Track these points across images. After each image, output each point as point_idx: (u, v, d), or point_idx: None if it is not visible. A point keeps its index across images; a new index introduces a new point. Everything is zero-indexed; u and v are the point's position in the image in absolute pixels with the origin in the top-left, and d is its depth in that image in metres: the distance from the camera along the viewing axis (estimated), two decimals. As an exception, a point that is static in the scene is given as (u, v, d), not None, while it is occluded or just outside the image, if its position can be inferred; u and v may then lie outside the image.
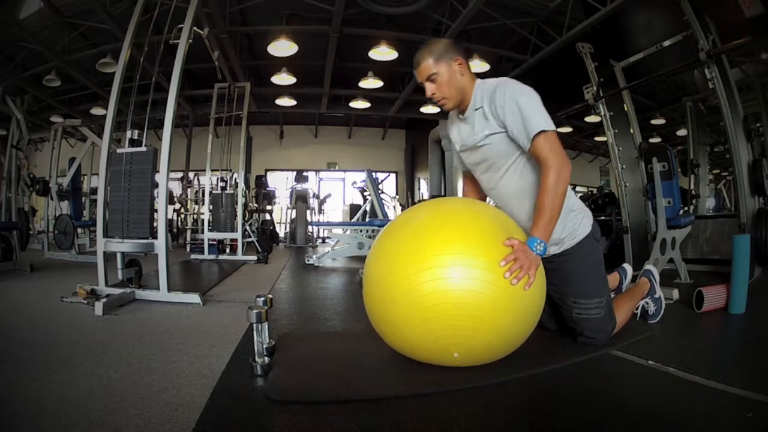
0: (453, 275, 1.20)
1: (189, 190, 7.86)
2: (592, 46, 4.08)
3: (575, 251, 1.52)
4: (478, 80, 1.51)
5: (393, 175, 11.99)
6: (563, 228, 1.49)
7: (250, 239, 5.44)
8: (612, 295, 1.69)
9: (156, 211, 2.59)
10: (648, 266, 1.89)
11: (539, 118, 1.35)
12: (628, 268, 2.11)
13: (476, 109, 1.47)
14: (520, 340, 1.32)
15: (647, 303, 1.82)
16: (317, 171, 11.41)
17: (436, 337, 1.22)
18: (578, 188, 10.37)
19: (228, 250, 5.58)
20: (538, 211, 1.35)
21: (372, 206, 5.59)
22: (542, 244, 1.31)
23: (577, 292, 1.51)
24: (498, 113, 1.40)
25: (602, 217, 5.46)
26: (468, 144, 1.54)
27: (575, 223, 1.52)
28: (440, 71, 1.45)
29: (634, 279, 2.04)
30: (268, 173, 10.78)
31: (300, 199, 8.42)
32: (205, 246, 5.29)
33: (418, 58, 1.48)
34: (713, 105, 3.76)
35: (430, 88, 1.48)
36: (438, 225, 1.33)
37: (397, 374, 1.26)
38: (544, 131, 1.34)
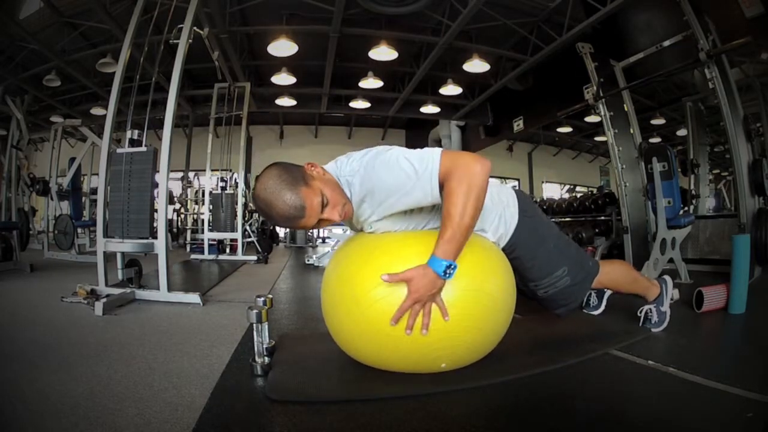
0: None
1: (189, 190, 7.86)
2: (592, 46, 4.09)
3: (514, 242, 1.41)
4: (328, 167, 1.27)
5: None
6: (493, 233, 1.38)
7: (250, 239, 5.44)
8: None
9: (156, 211, 2.59)
10: (666, 277, 1.84)
11: (424, 163, 1.11)
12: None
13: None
14: (501, 331, 1.30)
15: (650, 311, 1.73)
16: (317, 171, 11.39)
17: (414, 362, 1.21)
18: (578, 188, 10.37)
19: (228, 250, 5.58)
20: (442, 224, 1.10)
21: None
22: (451, 265, 1.09)
23: (534, 276, 1.44)
24: (386, 206, 1.18)
25: (602, 217, 5.47)
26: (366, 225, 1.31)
27: (497, 218, 1.39)
28: (320, 188, 1.14)
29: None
30: (269, 173, 10.76)
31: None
32: (205, 246, 5.29)
33: (293, 210, 1.10)
34: (713, 105, 3.76)
35: (332, 214, 1.15)
36: (368, 252, 1.24)
37: (397, 374, 1.25)
38: (440, 162, 1.09)
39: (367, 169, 1.18)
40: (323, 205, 1.13)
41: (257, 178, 1.18)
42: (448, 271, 1.10)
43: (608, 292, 1.97)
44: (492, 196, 1.40)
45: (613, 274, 1.66)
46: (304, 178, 1.14)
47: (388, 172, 1.14)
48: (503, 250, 1.42)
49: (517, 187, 1.59)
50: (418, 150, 1.16)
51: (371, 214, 1.24)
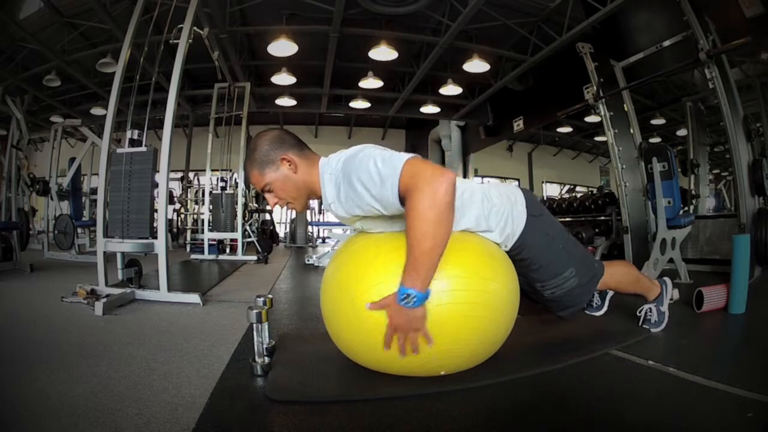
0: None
1: (189, 190, 7.86)
2: (592, 46, 4.09)
3: (521, 242, 1.38)
4: (322, 160, 1.28)
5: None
6: (499, 233, 1.36)
7: (250, 239, 5.44)
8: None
9: (156, 211, 2.59)
10: (666, 278, 1.84)
11: (388, 168, 1.09)
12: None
13: (330, 203, 1.25)
14: (502, 338, 1.30)
15: (650, 310, 1.74)
16: (317, 171, 11.38)
17: (414, 370, 1.21)
18: (578, 188, 10.36)
19: (228, 250, 5.58)
20: (407, 251, 1.08)
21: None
22: (413, 295, 1.07)
23: (541, 277, 1.44)
24: (353, 204, 1.18)
25: (602, 217, 5.47)
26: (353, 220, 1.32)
27: (504, 218, 1.36)
28: (270, 180, 1.26)
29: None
30: (269, 173, 10.76)
31: (300, 199, 8.39)
32: (205, 246, 5.29)
33: (246, 169, 1.37)
34: (713, 105, 3.77)
35: (270, 199, 1.31)
36: (371, 257, 1.24)
37: (397, 374, 1.25)
38: (400, 174, 1.07)
39: (345, 171, 1.18)
40: (264, 190, 1.29)
41: (270, 129, 1.35)
42: (406, 300, 1.07)
43: (610, 293, 1.97)
44: (499, 195, 1.39)
45: (617, 275, 1.65)
46: (266, 163, 1.26)
47: (358, 177, 1.13)
48: (511, 251, 1.40)
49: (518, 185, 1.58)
50: (389, 154, 1.14)
51: (354, 215, 1.23)
